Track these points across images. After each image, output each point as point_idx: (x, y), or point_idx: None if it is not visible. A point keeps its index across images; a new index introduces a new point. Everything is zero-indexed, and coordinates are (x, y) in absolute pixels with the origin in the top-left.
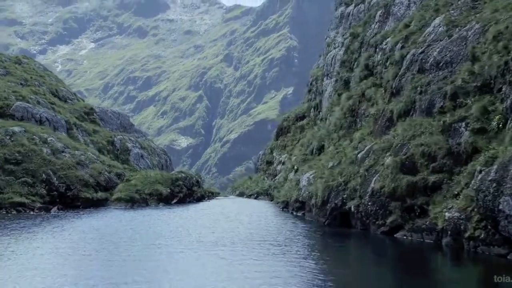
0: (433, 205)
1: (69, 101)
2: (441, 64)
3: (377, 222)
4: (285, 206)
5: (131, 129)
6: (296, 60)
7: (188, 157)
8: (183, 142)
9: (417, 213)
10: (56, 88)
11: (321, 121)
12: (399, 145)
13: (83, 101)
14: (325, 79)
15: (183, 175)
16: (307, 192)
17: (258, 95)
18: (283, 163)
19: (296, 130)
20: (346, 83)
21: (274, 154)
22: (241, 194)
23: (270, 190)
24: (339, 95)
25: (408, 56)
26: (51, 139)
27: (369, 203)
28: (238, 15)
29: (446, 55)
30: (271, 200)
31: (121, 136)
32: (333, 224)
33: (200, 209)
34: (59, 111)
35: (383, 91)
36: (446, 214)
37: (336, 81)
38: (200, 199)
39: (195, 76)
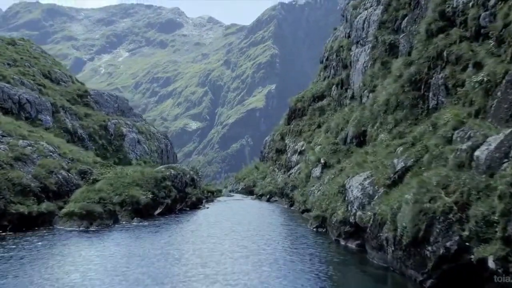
0: None
1: (63, 84)
2: None
3: None
4: (320, 224)
5: (129, 113)
6: (277, 64)
7: (197, 136)
8: (193, 125)
9: None
10: (49, 70)
11: (353, 100)
12: None
13: (82, 84)
14: (353, 48)
15: (172, 172)
16: (370, 214)
17: (249, 90)
18: (300, 153)
19: (313, 112)
20: (392, 48)
21: (287, 142)
22: (247, 191)
23: (287, 190)
24: (384, 63)
25: None
26: None
27: None
28: (234, 31)
29: None
30: (291, 206)
31: (116, 120)
32: None
33: (191, 232)
34: (47, 93)
35: (492, 44)
36: None
37: (374, 47)
38: (195, 204)
39: (202, 76)
